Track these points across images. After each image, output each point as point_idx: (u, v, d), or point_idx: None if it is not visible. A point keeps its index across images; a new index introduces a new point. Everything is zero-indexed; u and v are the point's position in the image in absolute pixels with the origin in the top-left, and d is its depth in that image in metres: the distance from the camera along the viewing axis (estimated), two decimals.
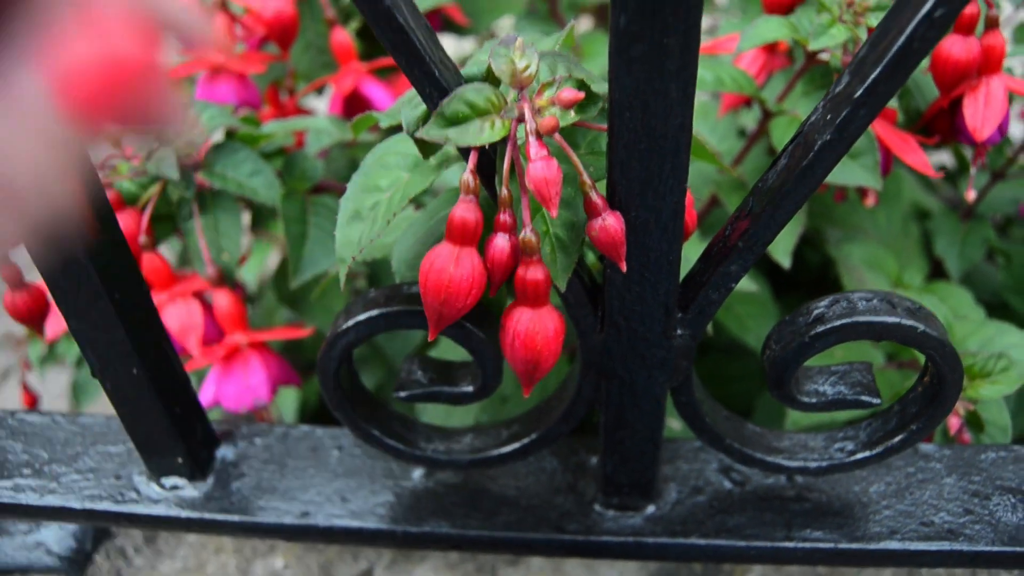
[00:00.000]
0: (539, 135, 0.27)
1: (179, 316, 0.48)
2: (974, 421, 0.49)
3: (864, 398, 0.36)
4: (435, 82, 0.27)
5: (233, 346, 0.49)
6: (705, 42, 0.58)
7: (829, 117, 0.28)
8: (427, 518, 0.40)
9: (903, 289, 0.64)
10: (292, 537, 0.41)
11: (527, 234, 0.27)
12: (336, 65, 0.62)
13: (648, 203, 0.29)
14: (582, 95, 0.27)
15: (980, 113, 0.51)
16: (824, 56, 0.50)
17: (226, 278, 0.49)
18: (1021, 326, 0.64)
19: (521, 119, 0.27)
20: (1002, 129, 0.53)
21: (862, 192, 0.56)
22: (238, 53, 0.60)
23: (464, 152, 0.28)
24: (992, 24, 0.51)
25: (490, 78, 0.29)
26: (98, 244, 0.33)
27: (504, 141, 0.28)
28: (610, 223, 0.28)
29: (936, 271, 0.72)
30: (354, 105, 0.61)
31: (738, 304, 0.61)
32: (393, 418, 0.39)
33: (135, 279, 0.36)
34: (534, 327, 0.28)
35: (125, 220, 0.48)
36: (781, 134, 0.49)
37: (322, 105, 0.75)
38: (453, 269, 0.27)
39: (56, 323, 0.52)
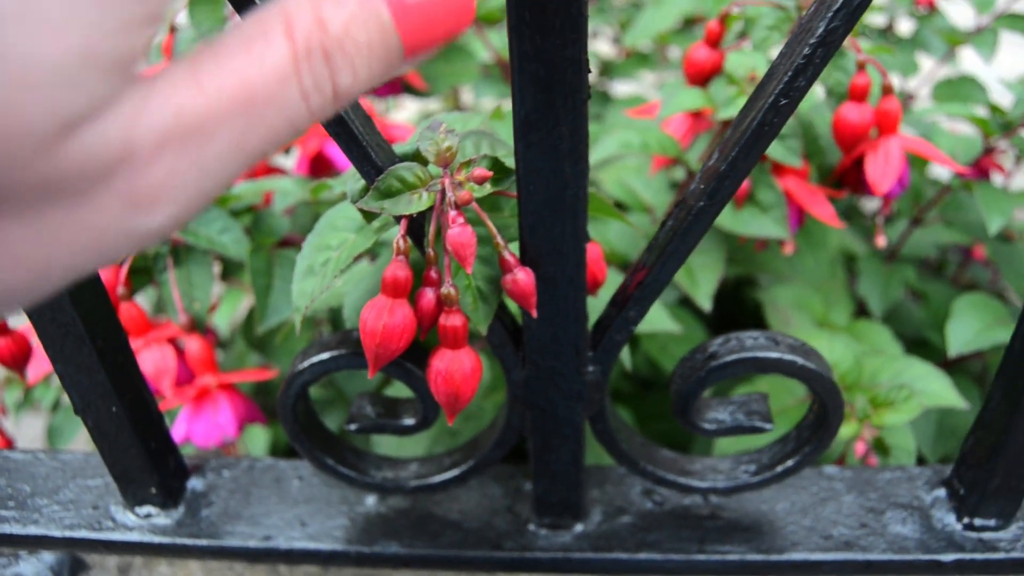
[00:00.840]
0: (457, 206, 0.32)
1: (154, 360, 0.53)
2: (880, 446, 0.55)
3: (758, 424, 0.41)
4: (371, 162, 0.32)
5: (203, 387, 0.53)
6: (639, 107, 0.64)
7: (703, 187, 0.33)
8: (378, 539, 0.45)
9: (828, 327, 0.70)
10: (255, 559, 0.45)
11: (447, 288, 0.32)
12: None
13: (554, 259, 0.34)
14: (491, 173, 0.32)
15: (880, 169, 0.57)
16: None
17: (197, 325, 0.54)
18: (939, 360, 0.70)
19: (444, 192, 0.33)
20: (902, 182, 0.59)
21: (781, 242, 0.62)
22: None
23: (398, 218, 0.33)
24: (887, 91, 0.57)
25: (418, 157, 0.34)
26: (83, 296, 0.38)
27: (431, 210, 0.33)
28: (520, 277, 0.33)
29: (862, 311, 0.78)
30: (318, 164, 0.66)
31: (673, 344, 0.66)
32: (346, 449, 0.44)
33: (114, 326, 0.41)
34: (453, 366, 0.33)
35: (105, 273, 0.53)
36: None
37: (289, 162, 0.80)
38: (387, 318, 0.32)
39: (37, 367, 0.56)
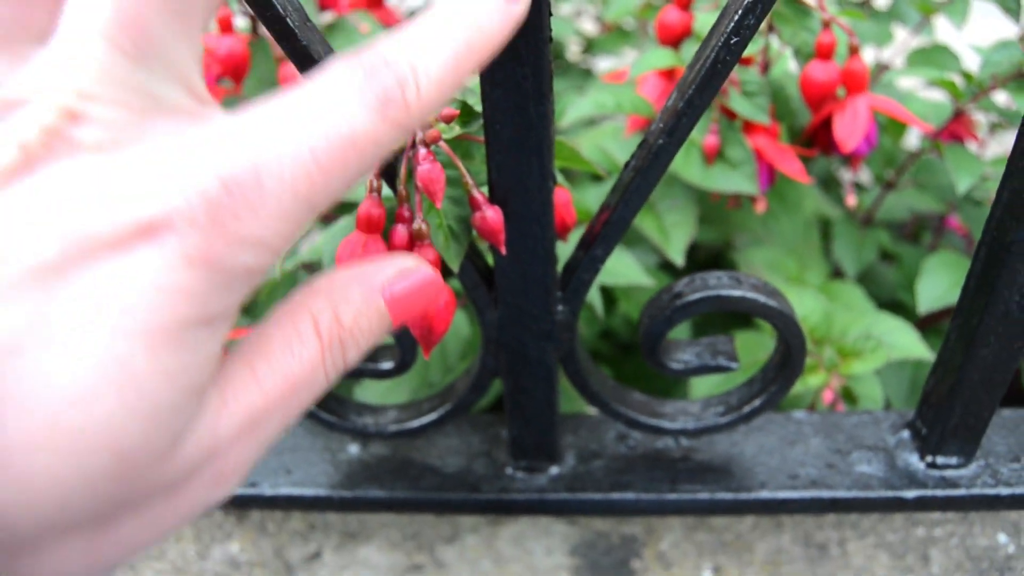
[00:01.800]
0: (426, 144, 0.33)
1: None
2: (848, 395, 0.56)
3: (723, 363, 0.42)
4: None
5: None
6: (614, 72, 0.65)
7: (662, 126, 0.35)
8: (361, 484, 0.46)
9: (802, 286, 0.71)
10: (242, 506, 0.47)
11: (418, 223, 0.34)
12: None
13: (521, 197, 0.36)
14: (457, 112, 0.34)
15: (848, 127, 0.59)
16: None
17: None
18: (912, 322, 0.72)
19: (414, 132, 0.34)
20: (869, 141, 0.60)
21: (753, 199, 0.63)
22: None
23: None
24: (854, 51, 0.58)
25: None
26: None
27: (402, 152, 0.34)
28: (489, 215, 0.34)
29: (836, 275, 0.79)
30: None
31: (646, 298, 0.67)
32: (329, 396, 0.45)
33: None
34: None
35: None
36: None
37: None
38: (362, 251, 0.33)
39: None
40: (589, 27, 1.20)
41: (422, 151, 0.33)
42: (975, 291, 0.41)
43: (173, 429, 0.21)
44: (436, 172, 0.32)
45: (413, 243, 0.34)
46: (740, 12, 0.31)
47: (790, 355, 0.42)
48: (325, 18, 0.74)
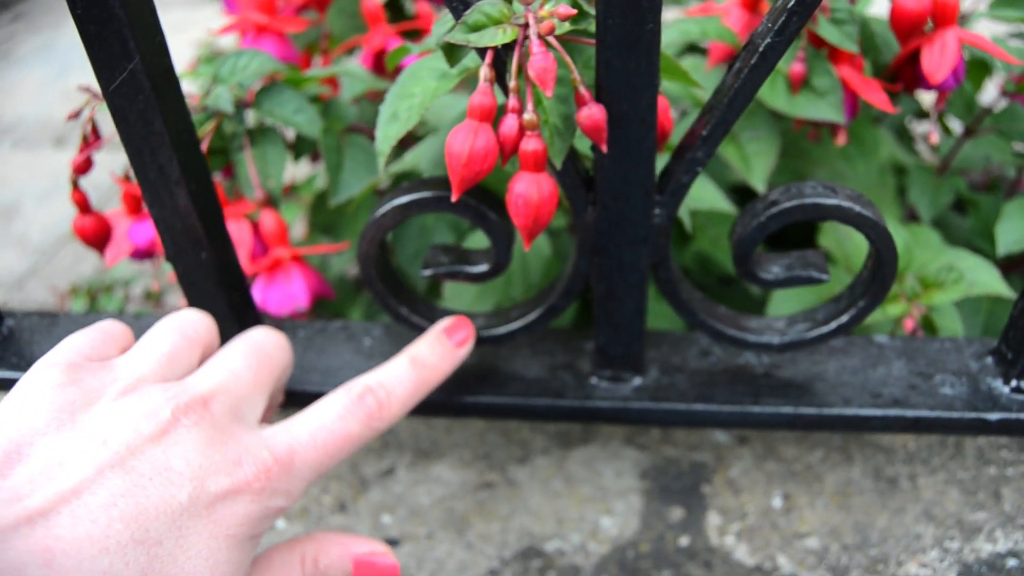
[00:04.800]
0: (540, 36, 0.34)
1: (231, 232, 0.55)
2: (928, 325, 0.56)
3: (815, 275, 0.43)
4: None
5: (277, 259, 0.56)
6: (696, 7, 0.65)
7: (770, 25, 0.35)
8: (448, 389, 0.47)
9: None
10: None
11: (529, 114, 0.34)
12: (366, 28, 0.70)
13: (627, 97, 0.36)
14: (575, 11, 0.34)
15: (936, 60, 0.58)
16: None
17: (272, 201, 0.56)
18: None
19: (526, 26, 0.35)
20: (956, 75, 0.60)
21: (834, 132, 0.63)
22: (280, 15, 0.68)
23: (482, 53, 0.35)
24: None
25: None
26: (181, 141, 0.40)
27: (513, 44, 0.35)
28: (594, 111, 0.35)
29: (911, 219, 0.79)
30: (382, 62, 0.68)
31: (725, 238, 0.68)
32: (418, 300, 0.47)
33: (206, 176, 0.43)
34: (533, 188, 0.35)
35: None
36: None
37: (353, 63, 0.83)
38: (474, 139, 0.34)
39: (115, 250, 0.59)
40: None
41: (535, 42, 0.34)
42: None
43: None
44: (549, 61, 0.33)
45: (523, 133, 0.35)
46: None
47: (881, 267, 0.42)
48: None
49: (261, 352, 0.40)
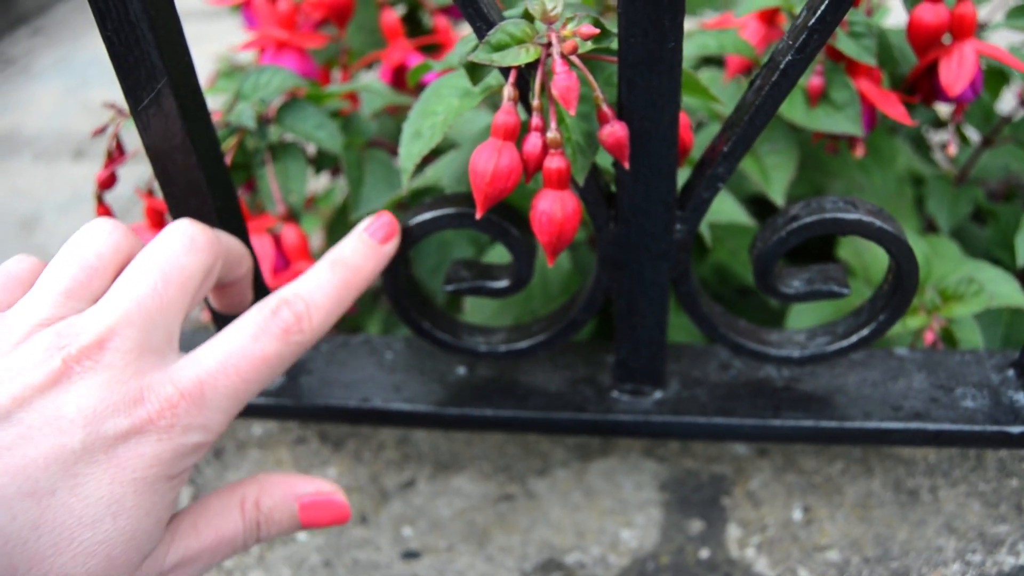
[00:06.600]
0: (563, 56, 0.34)
1: (254, 246, 0.56)
2: (948, 338, 0.56)
3: (835, 289, 0.43)
4: (484, 17, 0.35)
5: (299, 272, 0.57)
6: (714, 19, 0.66)
7: (791, 42, 0.35)
8: (470, 403, 0.48)
9: None
10: (354, 419, 0.49)
11: (552, 132, 0.35)
12: (385, 43, 0.70)
13: (649, 114, 0.36)
14: (597, 31, 0.34)
15: (954, 72, 0.58)
16: None
17: (293, 215, 0.57)
18: None
19: (549, 45, 0.35)
20: (974, 87, 0.60)
21: (852, 144, 0.63)
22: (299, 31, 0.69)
23: (505, 72, 0.36)
24: None
25: (526, 15, 0.36)
26: (207, 157, 0.41)
27: (536, 63, 0.35)
28: (617, 129, 0.35)
29: (930, 229, 0.78)
30: (401, 77, 0.69)
31: (744, 250, 0.68)
32: (441, 316, 0.47)
33: (230, 190, 0.44)
34: (556, 206, 0.35)
35: None
36: None
37: (372, 78, 0.83)
38: (498, 157, 0.35)
39: None
40: None
41: (558, 60, 0.34)
42: None
43: (142, 550, 0.32)
44: (572, 81, 0.33)
45: (546, 151, 0.35)
46: None
47: (902, 281, 0.42)
48: None
49: (169, 265, 0.35)
